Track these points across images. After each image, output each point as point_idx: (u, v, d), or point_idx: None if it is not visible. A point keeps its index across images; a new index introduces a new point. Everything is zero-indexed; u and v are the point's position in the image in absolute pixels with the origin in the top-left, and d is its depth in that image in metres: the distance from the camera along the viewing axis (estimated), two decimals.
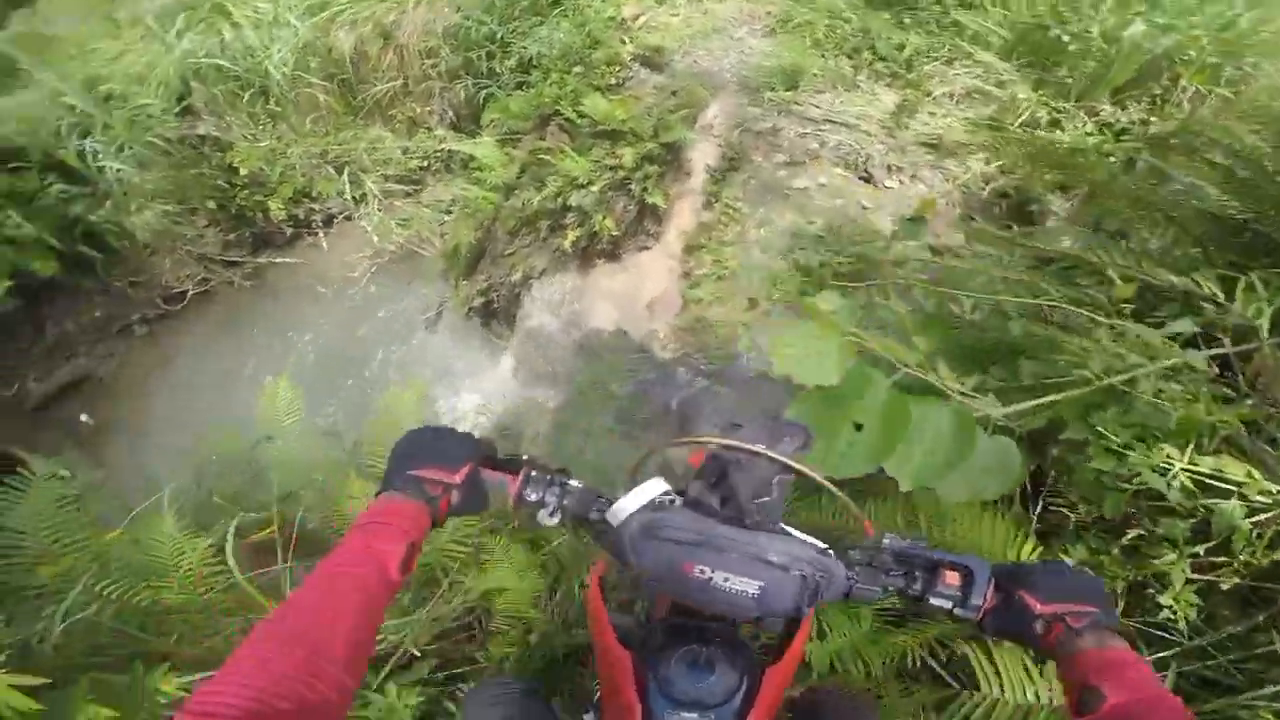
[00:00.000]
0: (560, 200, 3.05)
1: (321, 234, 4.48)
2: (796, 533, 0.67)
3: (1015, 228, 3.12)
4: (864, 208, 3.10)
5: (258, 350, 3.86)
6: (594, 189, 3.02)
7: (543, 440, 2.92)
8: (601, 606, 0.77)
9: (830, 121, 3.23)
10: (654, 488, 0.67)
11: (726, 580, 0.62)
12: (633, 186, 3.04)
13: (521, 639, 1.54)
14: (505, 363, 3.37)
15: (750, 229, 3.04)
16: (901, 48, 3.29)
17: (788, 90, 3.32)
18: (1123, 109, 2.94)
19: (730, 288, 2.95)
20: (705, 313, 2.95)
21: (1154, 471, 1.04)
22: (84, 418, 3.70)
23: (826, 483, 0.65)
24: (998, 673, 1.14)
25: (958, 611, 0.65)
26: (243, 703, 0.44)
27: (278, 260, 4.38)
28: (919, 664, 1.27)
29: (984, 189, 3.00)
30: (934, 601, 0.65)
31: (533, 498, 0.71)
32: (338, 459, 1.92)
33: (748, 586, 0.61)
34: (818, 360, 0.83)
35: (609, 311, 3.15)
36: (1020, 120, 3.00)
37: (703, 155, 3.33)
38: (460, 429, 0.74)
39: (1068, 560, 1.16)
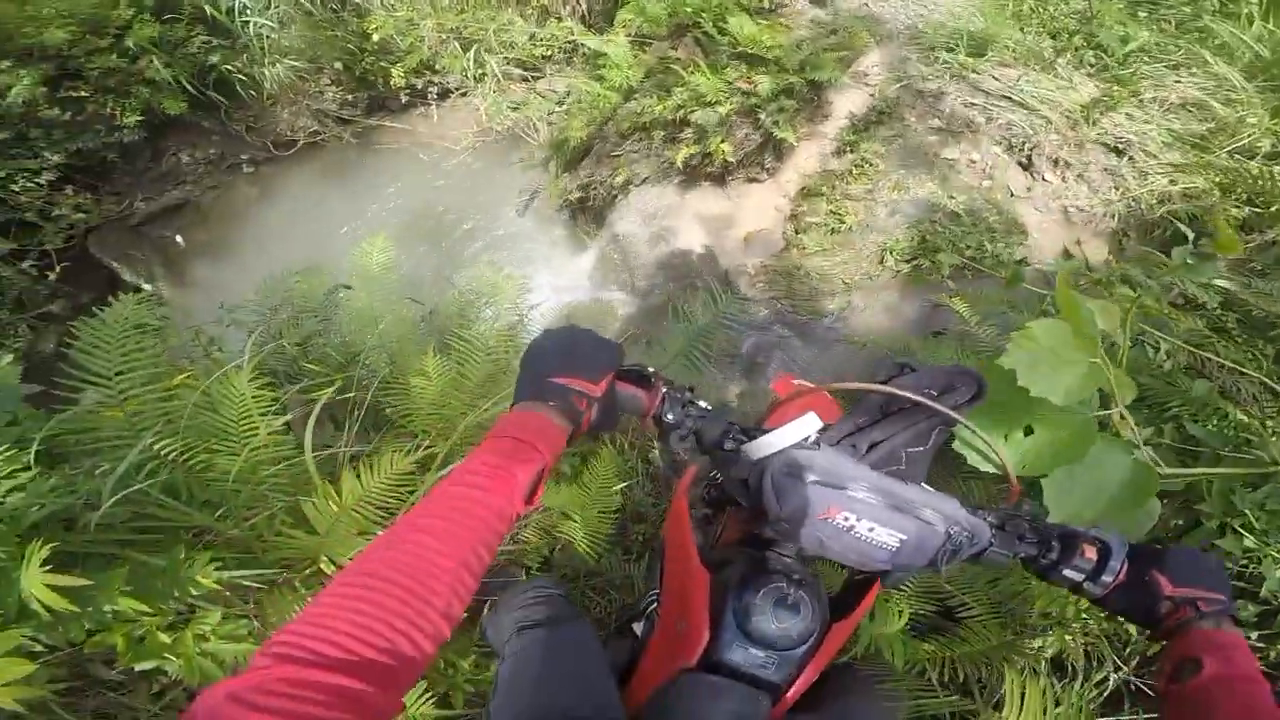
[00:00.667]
0: (681, 114, 2.84)
1: (434, 106, 4.56)
2: (942, 495, 0.63)
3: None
4: (1011, 194, 2.74)
5: (352, 202, 3.98)
6: (720, 110, 2.79)
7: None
8: (687, 521, 0.73)
9: (1007, 99, 2.84)
10: (805, 426, 0.61)
11: (871, 530, 0.59)
12: (762, 117, 2.78)
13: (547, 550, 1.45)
14: (585, 259, 3.24)
15: (883, 189, 2.74)
16: (1125, 40, 2.83)
17: (969, 55, 2.95)
18: None
19: (841, 242, 2.68)
20: (805, 261, 2.71)
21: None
22: (178, 239, 3.93)
23: (990, 445, 0.62)
24: (1023, 700, 1.05)
25: (1086, 585, 0.63)
26: (332, 650, 0.38)
27: (388, 124, 4.49)
28: (945, 675, 1.21)
29: (1155, 208, 2.58)
30: (1066, 573, 0.63)
31: (670, 418, 0.66)
32: (413, 326, 1.80)
33: (889, 539, 0.59)
34: (1053, 371, 0.71)
35: (700, 235, 2.94)
36: (1235, 145, 2.55)
37: (848, 101, 3.02)
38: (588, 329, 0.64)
39: None
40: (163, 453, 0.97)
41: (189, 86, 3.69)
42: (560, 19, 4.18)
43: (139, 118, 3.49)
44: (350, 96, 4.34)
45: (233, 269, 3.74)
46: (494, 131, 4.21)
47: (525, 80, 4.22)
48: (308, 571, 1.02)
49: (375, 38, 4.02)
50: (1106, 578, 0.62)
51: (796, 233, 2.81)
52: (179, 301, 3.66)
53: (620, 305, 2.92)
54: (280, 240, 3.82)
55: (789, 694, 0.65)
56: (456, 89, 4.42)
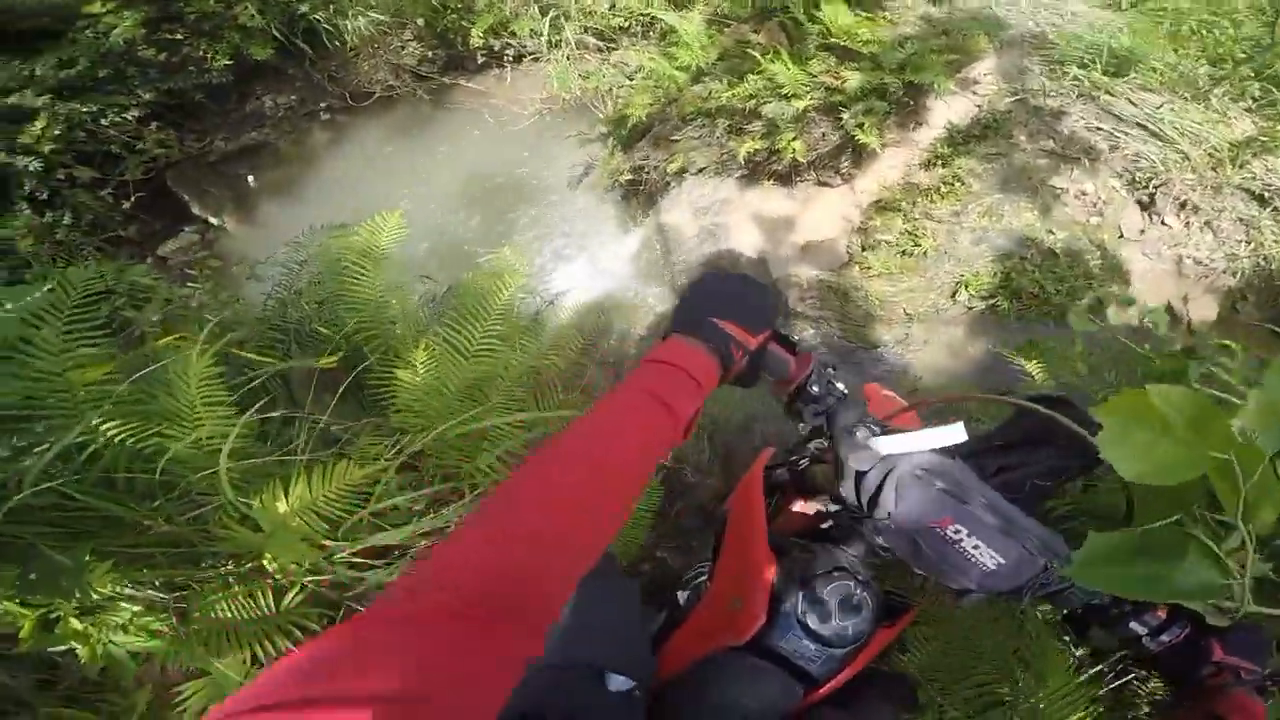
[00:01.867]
0: (752, 103, 2.59)
1: (509, 68, 4.53)
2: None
3: None
4: (1121, 235, 2.35)
5: (418, 157, 4.03)
6: (797, 104, 2.52)
7: (633, 341, 2.63)
8: (762, 501, 0.73)
9: (1141, 127, 2.43)
10: (953, 435, 0.59)
11: (976, 547, 0.57)
12: (845, 116, 2.49)
13: None
14: (629, 245, 3.07)
15: (972, 213, 2.42)
16: None
17: (1107, 74, 2.54)
18: None
19: (911, 266, 2.39)
20: (866, 282, 2.44)
21: None
22: (250, 179, 4.04)
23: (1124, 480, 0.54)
24: None
25: (1146, 640, 0.63)
26: (476, 582, 0.37)
27: (462, 82, 4.51)
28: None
29: None
30: (1133, 625, 0.63)
31: (815, 390, 0.65)
32: (413, 308, 1.68)
33: (988, 560, 0.58)
34: (1152, 444, 0.52)
35: (754, 236, 2.71)
36: None
37: (950, 110, 2.68)
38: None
39: None
40: (109, 434, 0.89)
41: (277, 34, 3.77)
42: None
43: (228, 61, 3.60)
44: (430, 53, 4.35)
45: (298, 211, 3.82)
46: (563, 100, 4.13)
47: (600, 50, 4.10)
48: (248, 567, 0.94)
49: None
50: (1166, 637, 0.62)
51: (863, 249, 2.54)
52: (244, 237, 3.82)
53: (656, 302, 2.74)
54: (346, 189, 3.91)
55: (823, 689, 0.65)
56: (531, 53, 4.35)
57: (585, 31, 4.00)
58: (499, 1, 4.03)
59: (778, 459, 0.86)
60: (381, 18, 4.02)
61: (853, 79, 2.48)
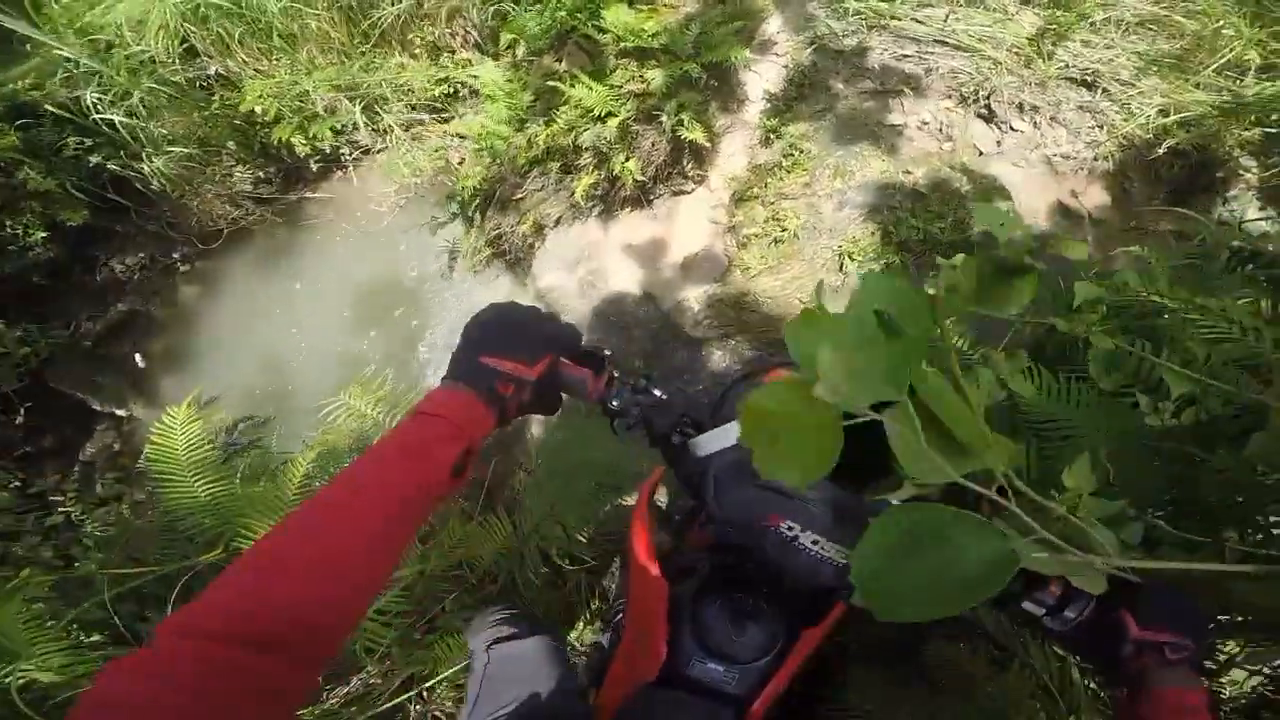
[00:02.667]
0: (574, 136, 2.47)
1: (351, 167, 4.35)
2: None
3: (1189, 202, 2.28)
4: (980, 153, 2.32)
5: (293, 285, 3.86)
6: (613, 123, 2.41)
7: (548, 426, 2.47)
8: (646, 528, 0.72)
9: (941, 43, 2.40)
10: None
11: (815, 543, 0.54)
12: (663, 119, 2.39)
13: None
14: None
15: (822, 178, 2.34)
16: None
17: (883, 1, 2.52)
18: None
19: (787, 253, 2.30)
20: (751, 284, 2.33)
21: None
22: (137, 358, 3.80)
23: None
24: None
25: (1046, 620, 0.57)
26: (234, 627, 0.37)
27: (308, 195, 4.29)
28: None
29: (1154, 144, 2.15)
30: (1026, 605, 0.57)
31: (615, 405, 0.63)
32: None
33: (834, 554, 0.54)
34: (789, 444, 0.40)
35: (633, 271, 2.58)
36: (1218, 63, 2.09)
37: (761, 79, 2.61)
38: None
39: None
40: None
41: (81, 193, 3.48)
42: (454, 51, 3.93)
43: (44, 233, 3.33)
44: (261, 173, 4.10)
45: (198, 377, 3.67)
46: (413, 185, 3.99)
47: (441, 121, 3.98)
48: None
49: (258, 110, 3.73)
50: (1070, 613, 0.57)
51: (739, 247, 2.44)
52: (155, 420, 3.67)
53: None
54: (235, 340, 3.73)
55: (755, 707, 0.62)
56: (364, 147, 4.18)
57: (413, 109, 3.84)
58: (308, 104, 3.80)
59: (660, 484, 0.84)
60: (187, 150, 3.76)
61: (656, 77, 2.38)
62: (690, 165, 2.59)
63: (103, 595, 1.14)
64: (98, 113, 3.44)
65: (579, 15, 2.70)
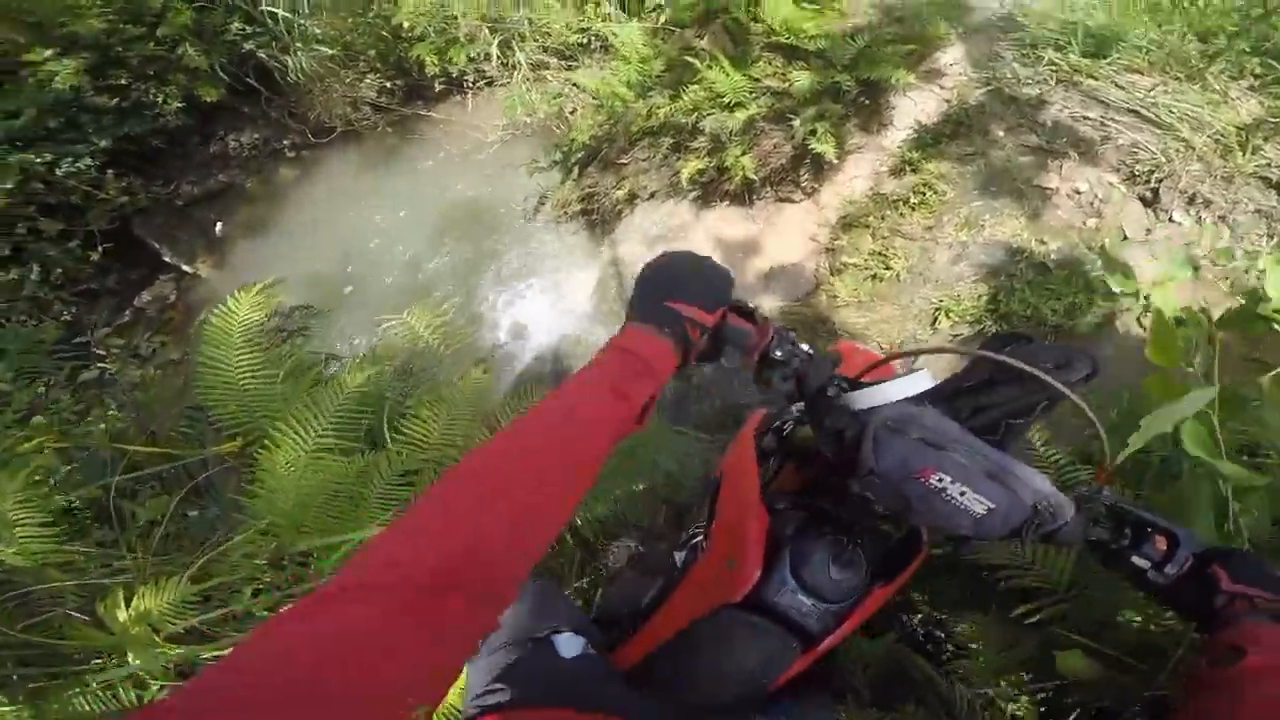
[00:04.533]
0: (694, 117, 2.35)
1: (470, 94, 4.45)
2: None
3: None
4: (1125, 238, 2.06)
5: (385, 191, 3.95)
6: (741, 114, 2.28)
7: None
8: (753, 455, 0.76)
9: (1134, 114, 2.14)
10: (918, 383, 0.60)
11: (962, 493, 0.57)
12: (795, 124, 2.24)
13: None
14: (587, 280, 2.86)
15: (948, 226, 2.14)
16: None
17: (1086, 56, 2.25)
18: None
19: (883, 293, 2.13)
20: (834, 313, 2.17)
21: None
22: (218, 225, 4.02)
23: (1096, 421, 0.61)
24: None
25: (1151, 574, 0.63)
26: (423, 575, 0.35)
27: (423, 113, 4.39)
28: None
29: None
30: (1134, 559, 0.63)
31: (779, 354, 0.64)
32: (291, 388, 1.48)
33: (978, 505, 0.57)
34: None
35: None
36: None
37: (915, 107, 2.41)
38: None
39: None
40: None
41: (225, 74, 3.68)
42: (598, 3, 3.91)
43: (180, 104, 3.55)
44: (388, 84, 4.26)
45: (270, 252, 3.82)
46: (524, 124, 4.03)
47: (565, 68, 3.97)
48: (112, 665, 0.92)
49: (406, 25, 3.84)
50: (1171, 569, 0.62)
51: (832, 273, 2.28)
52: (219, 281, 3.76)
53: None
54: (317, 226, 3.85)
55: (821, 646, 0.65)
56: (489, 78, 4.24)
57: (545, 51, 3.86)
58: (452, 27, 3.89)
59: (766, 424, 0.86)
60: (329, 51, 3.92)
61: (801, 80, 2.23)
62: (806, 176, 2.44)
63: (107, 478, 1.15)
64: (268, 3, 3.63)
65: None
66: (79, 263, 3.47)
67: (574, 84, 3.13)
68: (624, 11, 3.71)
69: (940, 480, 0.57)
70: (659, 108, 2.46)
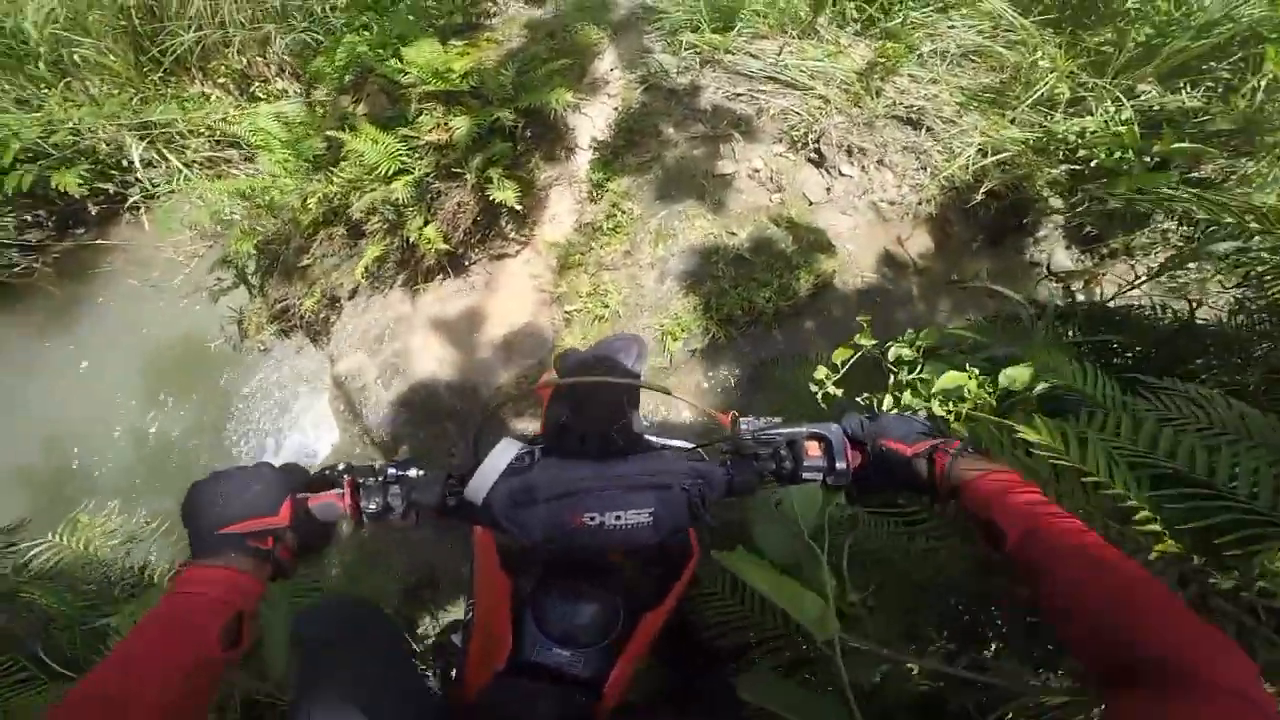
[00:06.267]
0: (357, 196, 2.03)
1: (142, 212, 3.66)
2: (666, 441, 0.69)
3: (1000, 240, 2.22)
4: (810, 203, 2.12)
5: (79, 346, 3.24)
6: (402, 183, 2.00)
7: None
8: (491, 534, 0.76)
9: (774, 80, 2.19)
10: (505, 452, 0.61)
11: (618, 518, 0.59)
12: (468, 175, 2.01)
13: None
14: (317, 410, 2.42)
15: (643, 244, 2.04)
16: None
17: (717, 32, 2.27)
18: (1173, 93, 1.97)
19: (609, 332, 1.99)
20: None
21: None
22: None
23: (672, 393, 0.67)
24: None
25: (829, 480, 0.65)
26: None
27: (89, 242, 3.63)
28: None
29: (974, 186, 2.05)
30: (806, 476, 0.65)
31: (373, 507, 0.62)
32: None
33: (640, 516, 0.59)
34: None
35: (444, 352, 2.17)
36: (1034, 97, 2.02)
37: (591, 124, 2.29)
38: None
39: None
40: None
41: None
42: (266, 80, 3.41)
43: None
44: (29, 217, 3.46)
45: None
46: (217, 232, 3.40)
47: (248, 160, 3.42)
48: None
49: (14, 146, 3.07)
50: (840, 465, 0.64)
51: (565, 324, 2.10)
52: None
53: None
54: (15, 413, 3.06)
55: (606, 689, 0.66)
56: (166, 188, 3.54)
57: (217, 145, 3.31)
58: (83, 139, 3.20)
59: None
60: None
61: (460, 126, 1.99)
62: (510, 226, 2.23)
63: None
64: None
65: (380, 51, 2.25)
66: None
67: (224, 191, 2.60)
68: (298, 82, 3.27)
69: (593, 518, 0.58)
70: (311, 195, 2.08)
